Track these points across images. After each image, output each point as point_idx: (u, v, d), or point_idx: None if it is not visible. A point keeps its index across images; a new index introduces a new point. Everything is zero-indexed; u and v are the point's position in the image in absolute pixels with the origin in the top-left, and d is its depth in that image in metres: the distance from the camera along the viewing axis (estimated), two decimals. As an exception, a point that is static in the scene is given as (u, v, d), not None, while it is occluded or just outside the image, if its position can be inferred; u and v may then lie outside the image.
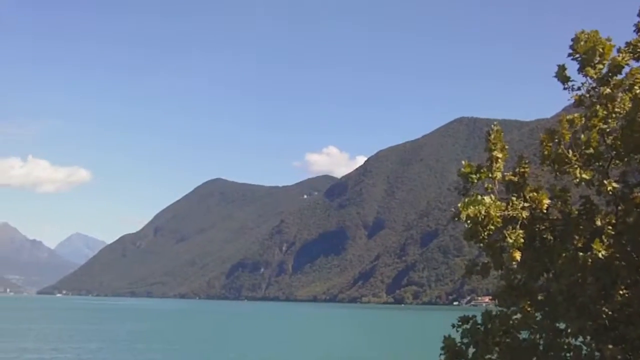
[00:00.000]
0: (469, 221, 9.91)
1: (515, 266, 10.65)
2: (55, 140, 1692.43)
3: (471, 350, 11.37)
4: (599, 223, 10.98)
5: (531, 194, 10.65)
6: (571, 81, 10.95)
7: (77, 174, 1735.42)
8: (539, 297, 11.15)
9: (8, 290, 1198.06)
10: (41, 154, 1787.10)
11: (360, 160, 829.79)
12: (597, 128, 10.64)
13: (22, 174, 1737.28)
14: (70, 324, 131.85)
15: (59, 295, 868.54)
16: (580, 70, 10.86)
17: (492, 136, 10.77)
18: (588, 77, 10.74)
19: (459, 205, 9.78)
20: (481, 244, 10.79)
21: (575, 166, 10.62)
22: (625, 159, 10.81)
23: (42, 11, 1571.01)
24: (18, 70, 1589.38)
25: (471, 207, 9.78)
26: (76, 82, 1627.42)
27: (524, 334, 11.17)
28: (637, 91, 10.36)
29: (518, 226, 9.99)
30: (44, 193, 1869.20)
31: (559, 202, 11.31)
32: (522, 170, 11.02)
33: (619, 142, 10.76)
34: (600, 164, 10.84)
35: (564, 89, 10.99)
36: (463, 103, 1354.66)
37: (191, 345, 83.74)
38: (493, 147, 10.73)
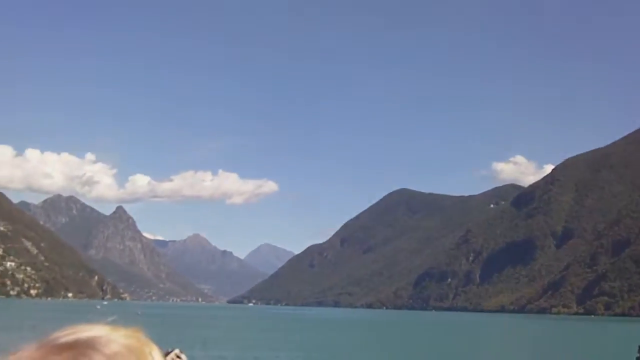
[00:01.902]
0: None
1: None
2: (244, 154, 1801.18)
3: None
4: None
5: None
6: None
7: (265, 186, 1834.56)
8: None
9: (200, 299, 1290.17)
10: (231, 167, 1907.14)
11: (548, 168, 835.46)
12: None
13: (212, 187, 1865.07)
14: (267, 333, 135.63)
15: (250, 304, 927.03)
16: None
17: None
18: None
19: None
20: None
21: None
22: None
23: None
24: (208, 92, 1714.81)
25: None
26: (259, 100, 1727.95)
27: None
28: None
29: None
30: (233, 204, 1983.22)
31: None
32: None
33: None
34: None
35: None
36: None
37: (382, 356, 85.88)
38: None
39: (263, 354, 79.31)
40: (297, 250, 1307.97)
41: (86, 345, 2.78)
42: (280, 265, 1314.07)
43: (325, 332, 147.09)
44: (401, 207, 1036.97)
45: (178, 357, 2.96)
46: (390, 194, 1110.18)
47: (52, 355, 2.70)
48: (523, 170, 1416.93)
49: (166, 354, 3.08)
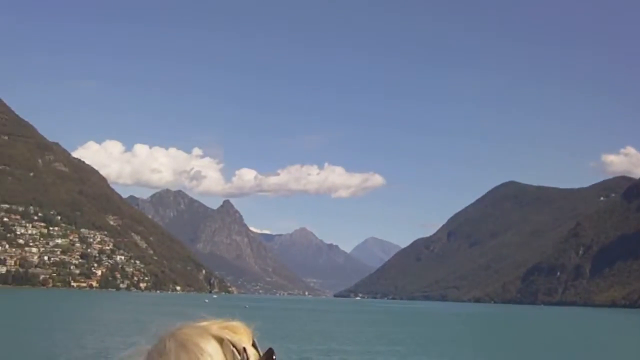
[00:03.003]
0: None
1: None
2: (350, 148, 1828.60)
3: None
4: None
5: None
6: None
7: (372, 180, 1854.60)
8: None
9: (307, 293, 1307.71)
10: (337, 160, 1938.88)
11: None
12: None
13: (318, 180, 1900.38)
14: (375, 327, 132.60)
15: (357, 298, 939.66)
16: None
17: None
18: None
19: None
20: None
21: None
22: None
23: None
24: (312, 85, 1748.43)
25: None
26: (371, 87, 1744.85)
27: None
28: None
29: None
30: (339, 198, 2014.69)
31: None
32: None
33: None
34: None
35: None
36: None
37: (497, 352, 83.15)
38: None
39: (375, 348, 78.34)
40: (404, 243, 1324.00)
41: (157, 343, 3.08)
42: (386, 258, 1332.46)
43: (436, 326, 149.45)
44: (509, 200, 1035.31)
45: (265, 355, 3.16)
46: (497, 187, 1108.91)
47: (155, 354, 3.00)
48: (634, 162, 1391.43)
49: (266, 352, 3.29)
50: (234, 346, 3.13)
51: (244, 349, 3.22)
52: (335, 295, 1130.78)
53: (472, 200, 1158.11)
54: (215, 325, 3.17)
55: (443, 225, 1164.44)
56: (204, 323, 3.18)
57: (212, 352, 3.11)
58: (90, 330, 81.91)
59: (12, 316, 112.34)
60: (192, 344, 3.10)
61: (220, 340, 3.12)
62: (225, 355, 3.15)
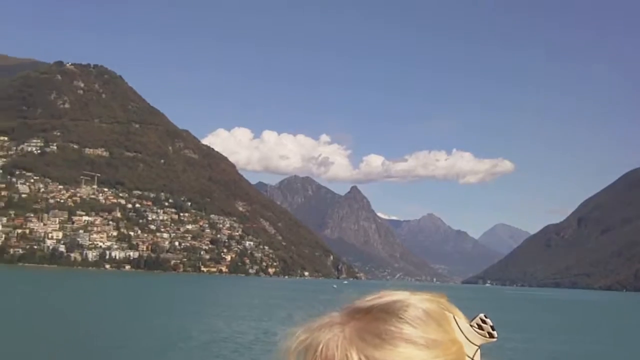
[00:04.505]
0: None
1: None
2: (480, 133, 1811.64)
3: None
4: None
5: None
6: None
7: (501, 165, 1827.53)
8: None
9: (434, 279, 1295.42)
10: (465, 146, 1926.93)
11: None
12: None
13: (446, 166, 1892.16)
14: (504, 314, 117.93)
15: (487, 284, 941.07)
16: None
17: None
18: None
19: None
20: None
21: None
22: None
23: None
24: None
25: None
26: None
27: None
28: None
29: None
30: (467, 184, 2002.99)
31: None
32: None
33: None
34: None
35: None
36: None
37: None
38: None
39: (504, 334, 64.15)
40: (533, 230, 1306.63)
41: (381, 310, 3.03)
42: (515, 245, 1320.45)
43: (566, 313, 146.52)
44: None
45: (483, 321, 3.08)
46: (630, 172, 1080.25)
47: (351, 320, 2.99)
48: None
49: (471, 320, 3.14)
50: (453, 315, 3.15)
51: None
52: (463, 282, 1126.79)
53: (604, 186, 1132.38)
54: (434, 297, 3.21)
55: (573, 211, 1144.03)
56: (424, 294, 3.19)
57: (450, 320, 3.14)
58: (241, 315, 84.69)
59: (169, 300, 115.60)
60: (436, 314, 3.17)
61: (450, 311, 3.16)
62: (450, 324, 3.16)
